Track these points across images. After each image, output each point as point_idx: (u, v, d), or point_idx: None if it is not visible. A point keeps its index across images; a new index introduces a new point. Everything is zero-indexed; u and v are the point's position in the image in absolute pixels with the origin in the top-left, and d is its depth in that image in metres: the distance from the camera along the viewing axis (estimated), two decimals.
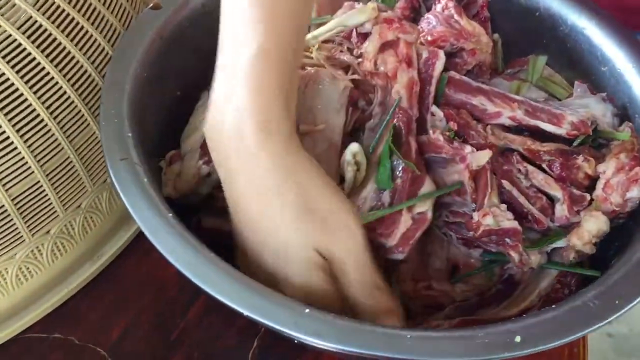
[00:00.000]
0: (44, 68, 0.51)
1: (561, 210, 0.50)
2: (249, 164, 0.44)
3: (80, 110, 0.53)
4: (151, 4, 0.58)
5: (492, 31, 0.64)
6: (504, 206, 0.49)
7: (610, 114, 0.56)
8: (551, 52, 0.63)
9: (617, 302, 0.43)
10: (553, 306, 0.44)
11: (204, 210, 0.54)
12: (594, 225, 0.48)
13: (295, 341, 0.44)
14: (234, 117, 0.45)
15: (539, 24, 0.63)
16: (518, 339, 0.41)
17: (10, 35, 0.49)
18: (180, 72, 0.58)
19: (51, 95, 0.51)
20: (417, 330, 0.45)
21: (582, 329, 0.41)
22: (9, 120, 0.49)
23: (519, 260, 0.48)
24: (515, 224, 0.48)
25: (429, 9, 0.60)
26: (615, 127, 0.56)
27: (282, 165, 0.44)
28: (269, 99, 0.45)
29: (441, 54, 0.54)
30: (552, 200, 0.51)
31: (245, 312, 0.41)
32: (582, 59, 0.61)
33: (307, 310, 0.41)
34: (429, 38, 0.56)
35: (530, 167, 0.52)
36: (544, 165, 0.52)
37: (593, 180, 0.52)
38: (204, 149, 0.51)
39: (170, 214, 0.46)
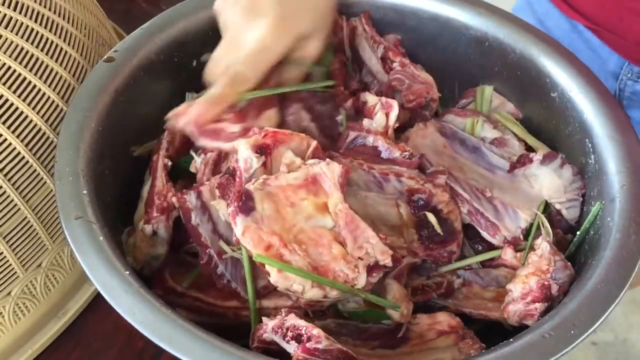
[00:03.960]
0: None
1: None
2: None
3: (35, 170, 0.53)
4: (105, 57, 0.58)
5: (445, 62, 0.65)
6: None
7: (566, 182, 0.56)
8: (503, 80, 0.64)
9: (572, 332, 0.43)
10: (510, 339, 0.44)
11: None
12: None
13: None
14: None
15: (490, 53, 0.64)
16: None
17: None
18: (136, 123, 0.59)
19: (4, 157, 0.51)
20: None
21: None
22: None
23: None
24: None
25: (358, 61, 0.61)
26: (579, 192, 0.56)
27: None
28: None
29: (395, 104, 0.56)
30: None
31: None
32: (532, 85, 0.62)
33: None
34: (412, 98, 0.59)
35: None
36: None
37: None
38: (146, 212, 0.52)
39: (127, 272, 0.46)
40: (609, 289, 0.46)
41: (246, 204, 0.49)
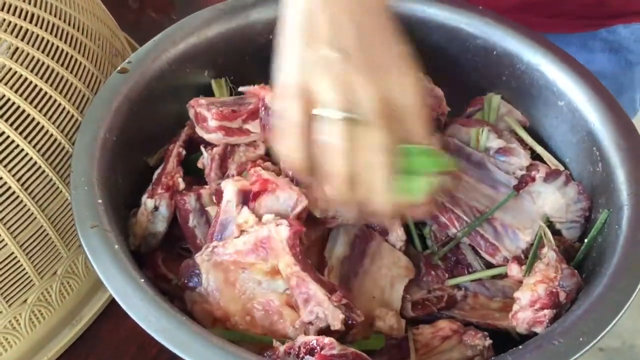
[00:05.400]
0: (13, 141, 0.52)
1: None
2: None
3: (51, 179, 0.54)
4: (119, 68, 0.59)
5: (451, 71, 0.66)
6: None
7: (570, 201, 0.56)
8: (510, 89, 0.65)
9: (581, 339, 0.44)
10: (519, 347, 0.45)
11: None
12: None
13: None
14: None
15: (497, 62, 0.64)
16: None
17: None
18: (150, 133, 0.60)
19: (21, 167, 0.52)
20: None
21: None
22: None
23: None
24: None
25: None
26: (582, 213, 0.56)
27: None
28: None
29: None
30: None
31: None
32: (539, 94, 0.63)
33: None
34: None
35: None
36: None
37: None
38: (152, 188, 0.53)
39: (142, 279, 0.47)
40: (617, 296, 0.47)
41: (191, 279, 0.50)
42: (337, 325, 0.46)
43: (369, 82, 0.44)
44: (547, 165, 0.59)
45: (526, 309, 0.49)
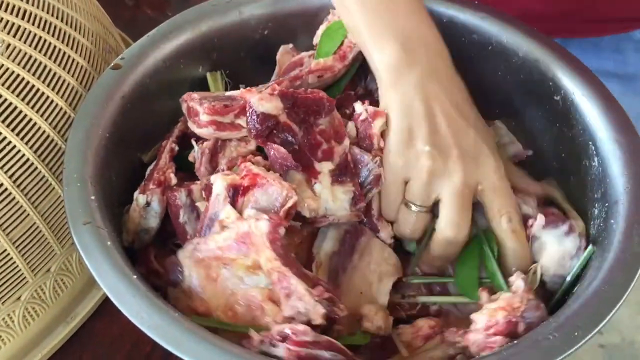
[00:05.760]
0: (5, 137, 0.52)
1: None
2: None
3: (44, 176, 0.54)
4: (112, 64, 0.59)
5: None
6: None
7: (567, 255, 0.53)
8: (506, 84, 0.64)
9: (576, 333, 0.44)
10: (514, 342, 0.44)
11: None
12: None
13: None
14: None
15: (492, 57, 0.64)
16: None
17: None
18: (144, 129, 0.60)
19: (14, 164, 0.52)
20: None
21: None
22: None
23: None
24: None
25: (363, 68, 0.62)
26: (567, 272, 0.53)
27: None
28: None
29: None
30: None
31: None
32: (535, 88, 0.62)
33: None
34: None
35: None
36: None
37: None
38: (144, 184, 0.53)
39: (135, 276, 0.47)
40: (613, 290, 0.46)
41: (175, 275, 0.49)
42: (317, 320, 0.46)
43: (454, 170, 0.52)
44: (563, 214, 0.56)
45: (479, 332, 0.48)
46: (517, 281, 0.50)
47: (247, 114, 0.52)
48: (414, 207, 0.53)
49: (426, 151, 0.52)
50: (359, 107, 0.56)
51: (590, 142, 0.57)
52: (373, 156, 0.53)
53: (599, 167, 0.55)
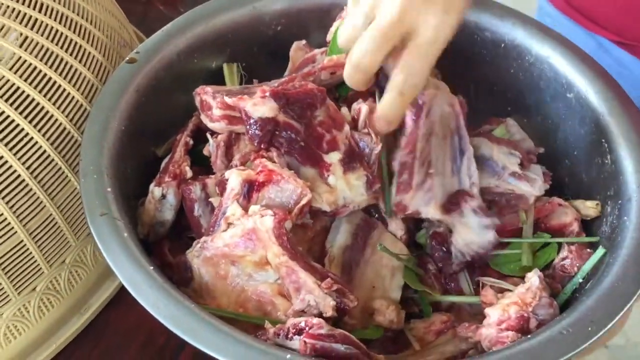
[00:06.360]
0: (23, 129, 0.52)
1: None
2: None
3: (60, 168, 0.54)
4: (127, 58, 0.60)
5: (459, 64, 0.66)
6: None
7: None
8: (519, 81, 0.65)
9: (590, 329, 0.44)
10: (528, 336, 0.45)
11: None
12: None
13: None
14: None
15: (506, 55, 0.64)
16: None
17: None
18: (158, 123, 0.60)
19: (31, 156, 0.52)
20: None
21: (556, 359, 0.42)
22: None
23: None
24: None
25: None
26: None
27: None
28: None
29: None
30: None
31: None
32: (548, 86, 0.63)
33: (288, 356, 0.42)
34: None
35: None
36: None
37: None
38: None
39: (152, 267, 0.47)
40: (626, 286, 0.47)
41: (184, 275, 0.50)
42: (328, 312, 0.47)
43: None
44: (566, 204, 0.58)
45: (491, 327, 0.48)
46: (533, 278, 0.50)
47: (246, 124, 0.52)
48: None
49: None
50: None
51: (603, 140, 0.57)
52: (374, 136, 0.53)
53: (611, 164, 0.56)
